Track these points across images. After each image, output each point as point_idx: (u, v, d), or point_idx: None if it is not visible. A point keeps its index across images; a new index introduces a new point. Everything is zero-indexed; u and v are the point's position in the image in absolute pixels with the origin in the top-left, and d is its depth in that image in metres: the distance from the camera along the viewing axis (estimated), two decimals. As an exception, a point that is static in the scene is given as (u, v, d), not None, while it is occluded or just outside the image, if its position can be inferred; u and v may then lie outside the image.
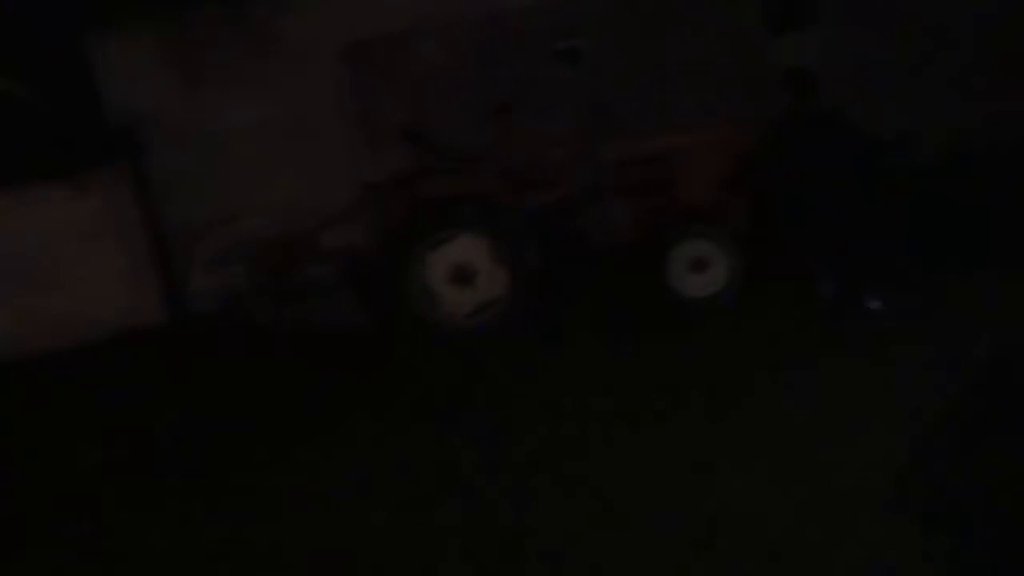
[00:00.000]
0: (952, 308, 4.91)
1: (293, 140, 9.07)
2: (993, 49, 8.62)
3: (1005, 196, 5.81)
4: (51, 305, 8.59)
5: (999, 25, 8.39)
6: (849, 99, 7.20)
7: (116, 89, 8.92)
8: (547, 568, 3.23)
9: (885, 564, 2.88)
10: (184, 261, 8.96)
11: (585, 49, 9.49)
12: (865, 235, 5.31)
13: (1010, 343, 4.28)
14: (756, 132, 5.76)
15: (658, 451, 3.97)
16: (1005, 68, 7.74)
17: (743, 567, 3.02)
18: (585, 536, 3.37)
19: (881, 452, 3.55)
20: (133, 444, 5.25)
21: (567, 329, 5.81)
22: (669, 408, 4.38)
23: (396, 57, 9.18)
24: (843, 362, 4.59)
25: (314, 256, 6.71)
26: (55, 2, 8.86)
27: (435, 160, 6.12)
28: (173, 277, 8.99)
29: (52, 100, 8.85)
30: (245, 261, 7.35)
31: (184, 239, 9.02)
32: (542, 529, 3.48)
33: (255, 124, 9.16)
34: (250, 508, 4.10)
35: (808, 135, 5.57)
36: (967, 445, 3.53)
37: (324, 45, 8.90)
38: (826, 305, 5.32)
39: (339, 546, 3.62)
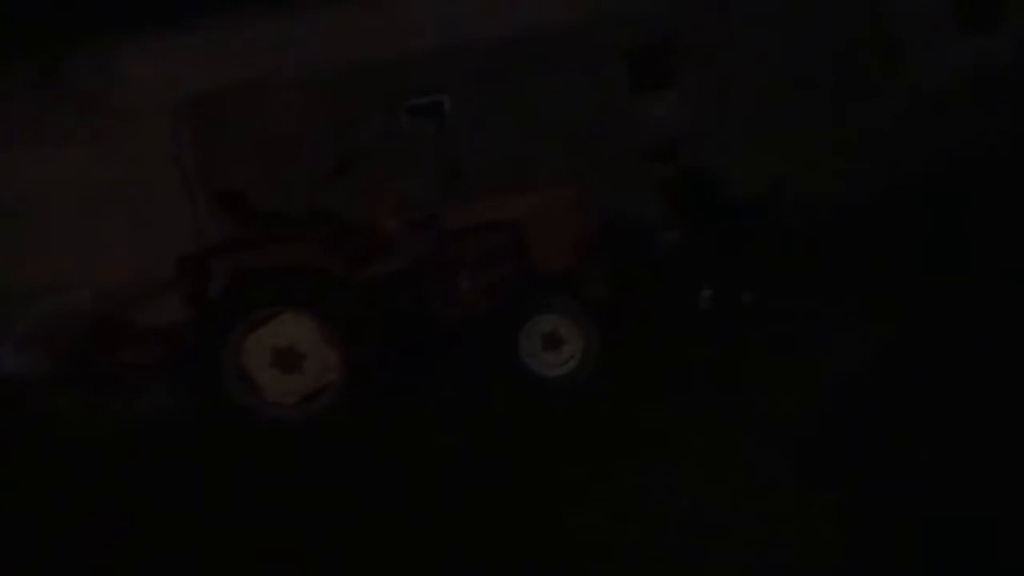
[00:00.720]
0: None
1: (118, 204, 8.23)
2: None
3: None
4: None
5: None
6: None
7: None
8: None
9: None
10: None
11: (447, 105, 9.15)
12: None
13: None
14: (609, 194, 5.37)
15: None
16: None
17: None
18: None
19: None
20: None
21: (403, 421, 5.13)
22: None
23: (235, 112, 8.52)
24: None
25: (129, 336, 5.85)
26: None
27: (257, 227, 5.41)
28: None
29: None
30: (51, 340, 6.37)
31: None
32: None
33: (76, 187, 8.29)
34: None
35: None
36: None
37: (158, 98, 8.17)
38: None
39: None
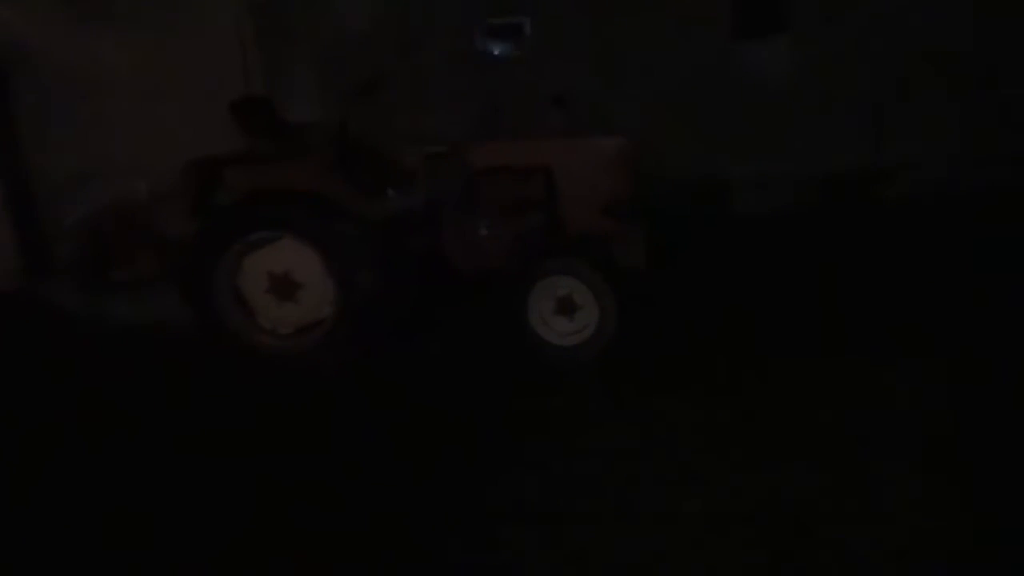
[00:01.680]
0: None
1: (180, 97, 8.06)
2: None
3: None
4: None
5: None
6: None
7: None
8: None
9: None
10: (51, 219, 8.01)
11: (527, 29, 8.45)
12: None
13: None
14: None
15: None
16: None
17: None
18: None
19: None
20: None
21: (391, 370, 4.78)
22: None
23: (302, 15, 8.13)
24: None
25: (141, 240, 5.69)
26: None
27: (272, 142, 5.04)
28: (37, 236, 8.03)
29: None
30: (86, 231, 6.31)
31: (52, 194, 8.08)
32: None
33: (141, 74, 8.16)
34: None
35: None
36: None
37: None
38: None
39: None
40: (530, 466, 3.49)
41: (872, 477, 3.18)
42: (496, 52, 8.21)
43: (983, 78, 7.98)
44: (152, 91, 7.95)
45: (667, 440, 3.63)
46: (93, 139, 7.90)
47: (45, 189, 7.93)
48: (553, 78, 8.03)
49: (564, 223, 4.93)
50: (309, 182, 4.78)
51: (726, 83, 8.19)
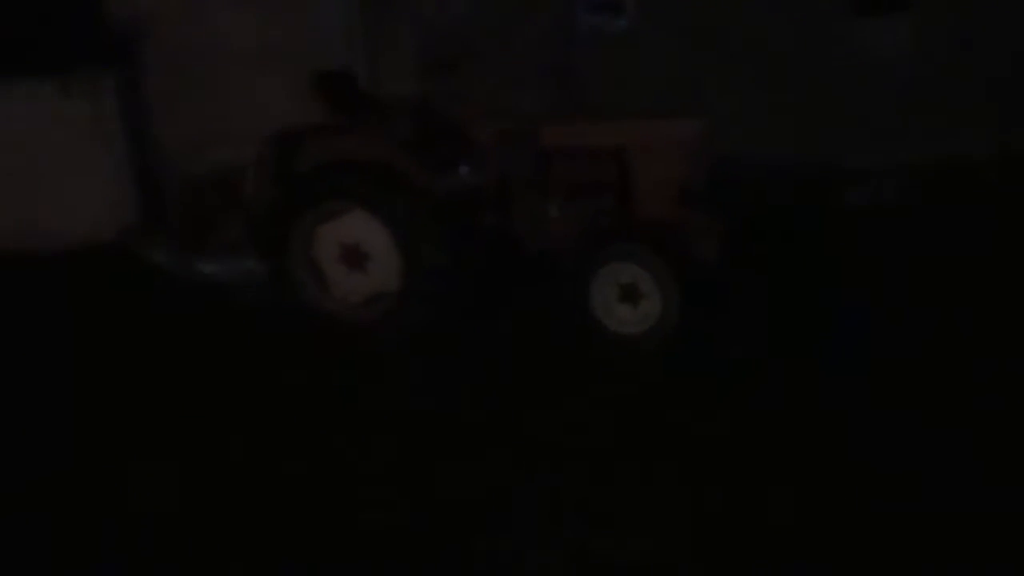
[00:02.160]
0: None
1: (291, 68, 8.33)
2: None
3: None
4: (26, 206, 8.38)
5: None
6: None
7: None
8: None
9: None
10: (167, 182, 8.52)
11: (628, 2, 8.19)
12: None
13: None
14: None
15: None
16: None
17: None
18: None
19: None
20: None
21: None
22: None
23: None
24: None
25: (235, 202, 5.94)
26: None
27: (351, 114, 5.13)
28: (156, 195, 8.55)
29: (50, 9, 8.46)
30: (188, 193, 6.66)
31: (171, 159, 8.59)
32: None
33: (255, 45, 8.50)
34: None
35: None
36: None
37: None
38: None
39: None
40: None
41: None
42: (597, 28, 8.03)
43: None
44: (265, 62, 8.28)
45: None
46: (210, 108, 8.31)
47: (166, 153, 8.42)
48: (653, 55, 7.81)
49: (636, 208, 4.78)
50: (380, 155, 4.84)
51: (840, 63, 7.69)
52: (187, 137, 8.25)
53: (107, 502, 3.28)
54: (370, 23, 8.15)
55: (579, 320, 4.64)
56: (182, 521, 3.10)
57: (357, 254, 4.96)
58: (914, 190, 7.78)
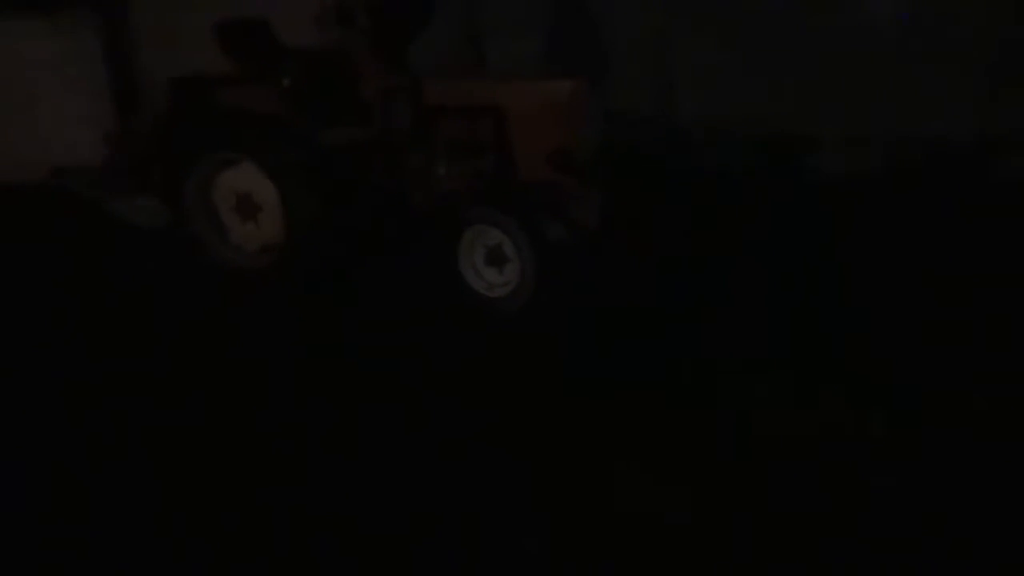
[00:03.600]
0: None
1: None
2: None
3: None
4: (15, 136, 8.79)
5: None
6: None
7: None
8: None
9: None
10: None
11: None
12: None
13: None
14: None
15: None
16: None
17: None
18: None
19: None
20: None
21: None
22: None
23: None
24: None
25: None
26: None
27: (254, 66, 5.16)
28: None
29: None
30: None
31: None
32: None
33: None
34: None
35: None
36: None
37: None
38: None
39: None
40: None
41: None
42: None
43: None
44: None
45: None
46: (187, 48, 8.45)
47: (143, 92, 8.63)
48: (618, 13, 7.56)
49: (514, 170, 4.71)
50: (270, 107, 4.88)
51: (820, 25, 7.26)
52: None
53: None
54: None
55: (449, 279, 4.64)
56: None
57: (250, 204, 5.06)
58: (893, 163, 7.39)
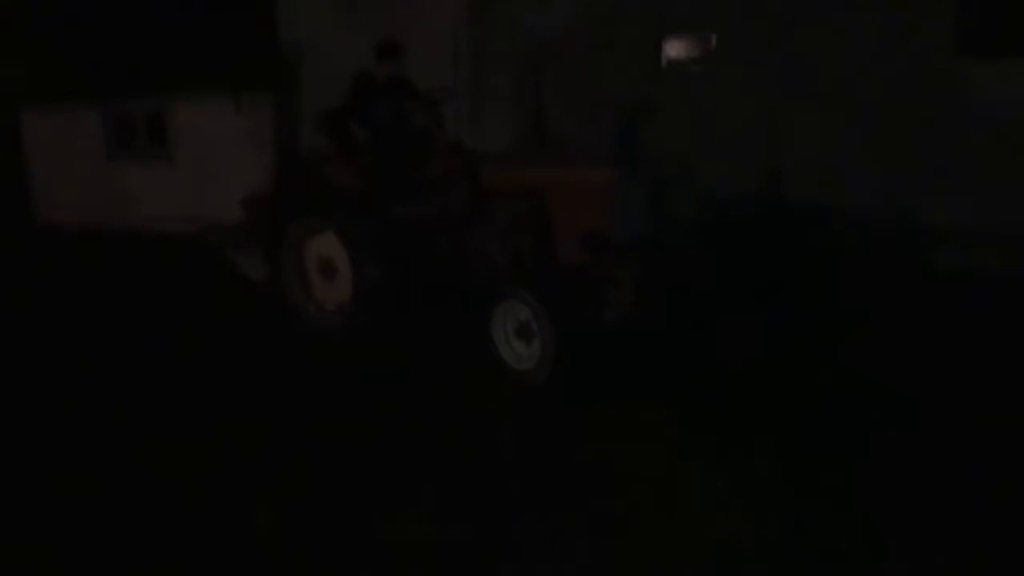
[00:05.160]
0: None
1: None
2: None
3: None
4: (205, 194, 10.26)
5: None
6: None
7: (288, 26, 9.97)
8: None
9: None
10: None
11: (711, 40, 7.95)
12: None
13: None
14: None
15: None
16: None
17: None
18: None
19: None
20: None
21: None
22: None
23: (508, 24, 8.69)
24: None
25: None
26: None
27: (342, 146, 5.82)
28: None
29: (235, 32, 10.21)
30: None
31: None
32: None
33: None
34: None
35: None
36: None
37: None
38: None
39: None
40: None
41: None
42: (678, 63, 7.98)
43: None
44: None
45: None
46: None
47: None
48: (735, 91, 7.61)
49: (554, 250, 4.97)
50: (352, 183, 5.50)
51: (941, 110, 6.91)
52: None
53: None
54: (474, 35, 8.82)
55: (483, 347, 4.94)
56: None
57: (331, 267, 5.69)
58: (1010, 259, 6.80)
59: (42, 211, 11.92)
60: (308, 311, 5.87)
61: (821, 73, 7.30)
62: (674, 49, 7.90)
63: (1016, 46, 6.68)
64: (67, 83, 11.47)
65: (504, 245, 5.10)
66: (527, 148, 7.68)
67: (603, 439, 4.02)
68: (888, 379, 4.62)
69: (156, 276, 8.24)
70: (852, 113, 7.22)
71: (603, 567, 2.94)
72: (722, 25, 7.63)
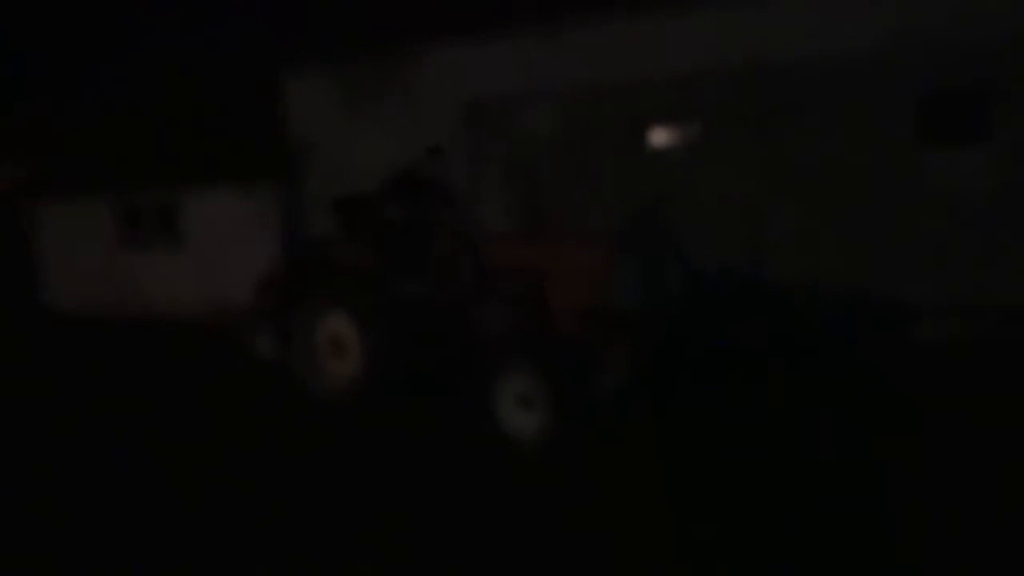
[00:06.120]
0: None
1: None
2: None
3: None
4: (214, 279, 10.65)
5: None
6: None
7: (297, 120, 10.60)
8: None
9: None
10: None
11: (692, 129, 8.55)
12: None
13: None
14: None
15: None
16: None
17: None
18: None
19: None
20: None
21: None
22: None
23: (498, 116, 9.32)
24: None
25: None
26: (260, 50, 10.80)
27: (352, 232, 6.25)
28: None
29: (245, 126, 10.83)
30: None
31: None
32: None
33: (384, 156, 10.12)
34: None
35: None
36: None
37: (450, 99, 9.47)
38: None
39: None
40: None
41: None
42: (662, 151, 8.54)
43: None
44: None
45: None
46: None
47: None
48: (714, 178, 8.14)
49: (552, 324, 5.33)
50: (362, 263, 5.90)
51: (906, 195, 7.44)
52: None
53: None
54: (469, 141, 9.42)
55: (485, 416, 5.23)
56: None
57: (341, 344, 6.02)
58: (987, 330, 7.20)
59: (55, 300, 12.27)
60: (319, 386, 6.16)
61: (795, 162, 7.85)
62: (658, 137, 8.47)
63: (964, 136, 7.27)
64: (78, 177, 12.03)
65: (505, 319, 5.46)
66: (526, 229, 8.15)
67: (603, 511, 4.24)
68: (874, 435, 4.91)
69: (170, 358, 8.52)
70: (824, 199, 7.74)
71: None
72: (704, 117, 8.23)
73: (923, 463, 4.51)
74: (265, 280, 7.37)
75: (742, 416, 5.33)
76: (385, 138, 10.02)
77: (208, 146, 10.84)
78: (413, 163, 6.25)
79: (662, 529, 3.92)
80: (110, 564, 3.80)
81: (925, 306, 7.35)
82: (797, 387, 6.03)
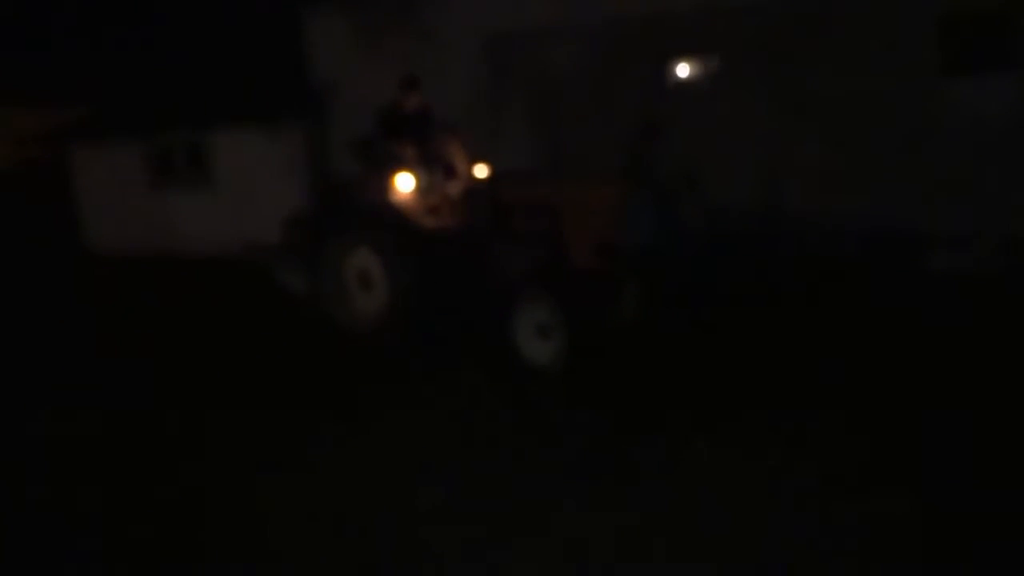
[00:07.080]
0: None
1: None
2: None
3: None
4: (244, 218, 10.94)
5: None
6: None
7: (317, 61, 10.68)
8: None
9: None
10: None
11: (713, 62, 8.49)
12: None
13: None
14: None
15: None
16: None
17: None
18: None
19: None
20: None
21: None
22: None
23: (521, 53, 9.29)
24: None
25: None
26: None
27: (374, 170, 6.41)
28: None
29: (269, 67, 10.95)
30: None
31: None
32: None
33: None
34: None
35: None
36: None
37: (472, 35, 9.48)
38: None
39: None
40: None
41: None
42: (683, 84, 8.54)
43: None
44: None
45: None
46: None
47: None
48: (737, 111, 8.12)
49: (568, 258, 5.51)
50: (383, 202, 6.10)
51: (929, 124, 7.39)
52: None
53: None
54: (492, 87, 9.48)
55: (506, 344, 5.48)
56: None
57: (368, 278, 6.28)
58: (1010, 259, 7.21)
59: (91, 240, 12.67)
60: (348, 318, 6.45)
61: (818, 93, 7.81)
62: (680, 71, 8.46)
63: (989, 62, 7.17)
64: (113, 120, 12.30)
65: (524, 254, 5.65)
66: (546, 166, 8.25)
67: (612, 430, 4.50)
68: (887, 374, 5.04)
69: (204, 294, 8.87)
70: (846, 130, 7.72)
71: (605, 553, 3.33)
72: (724, 51, 8.18)
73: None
74: (294, 218, 7.61)
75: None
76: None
77: (235, 87, 10.99)
78: (398, 97, 6.30)
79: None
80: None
81: (946, 236, 7.36)
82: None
